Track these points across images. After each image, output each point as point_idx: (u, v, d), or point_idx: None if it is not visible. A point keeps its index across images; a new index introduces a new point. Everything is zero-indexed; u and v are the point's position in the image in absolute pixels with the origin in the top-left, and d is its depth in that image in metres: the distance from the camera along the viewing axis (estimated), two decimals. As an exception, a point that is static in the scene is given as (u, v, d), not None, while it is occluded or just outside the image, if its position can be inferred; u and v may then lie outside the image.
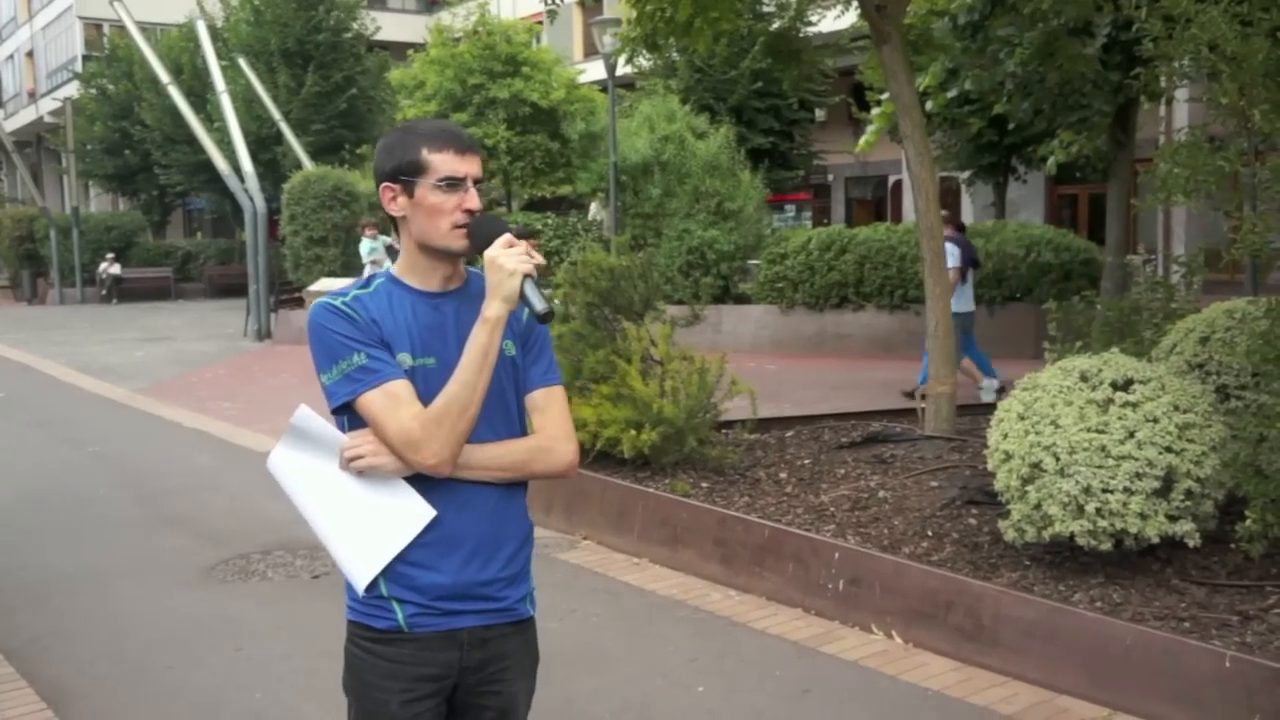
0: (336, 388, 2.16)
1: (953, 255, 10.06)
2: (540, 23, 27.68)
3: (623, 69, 16.14)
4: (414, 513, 2.17)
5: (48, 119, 44.58)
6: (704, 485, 6.63)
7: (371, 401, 2.13)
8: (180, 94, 22.86)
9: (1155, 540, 4.56)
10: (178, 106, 22.88)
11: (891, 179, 29.37)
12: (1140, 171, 11.70)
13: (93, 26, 42.56)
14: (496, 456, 2.20)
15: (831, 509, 6.08)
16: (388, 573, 2.18)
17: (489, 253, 2.16)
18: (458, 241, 2.20)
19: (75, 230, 32.87)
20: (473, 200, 2.20)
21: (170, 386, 14.10)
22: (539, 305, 2.18)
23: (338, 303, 2.19)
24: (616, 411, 6.77)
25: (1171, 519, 4.53)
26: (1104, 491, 4.50)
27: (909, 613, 4.95)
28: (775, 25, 10.61)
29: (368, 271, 11.48)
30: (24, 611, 5.65)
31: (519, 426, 2.28)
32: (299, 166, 23.83)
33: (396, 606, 2.19)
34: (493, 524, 2.24)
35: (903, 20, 8.17)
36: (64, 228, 33.19)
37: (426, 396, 2.15)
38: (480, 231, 2.21)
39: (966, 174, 19.10)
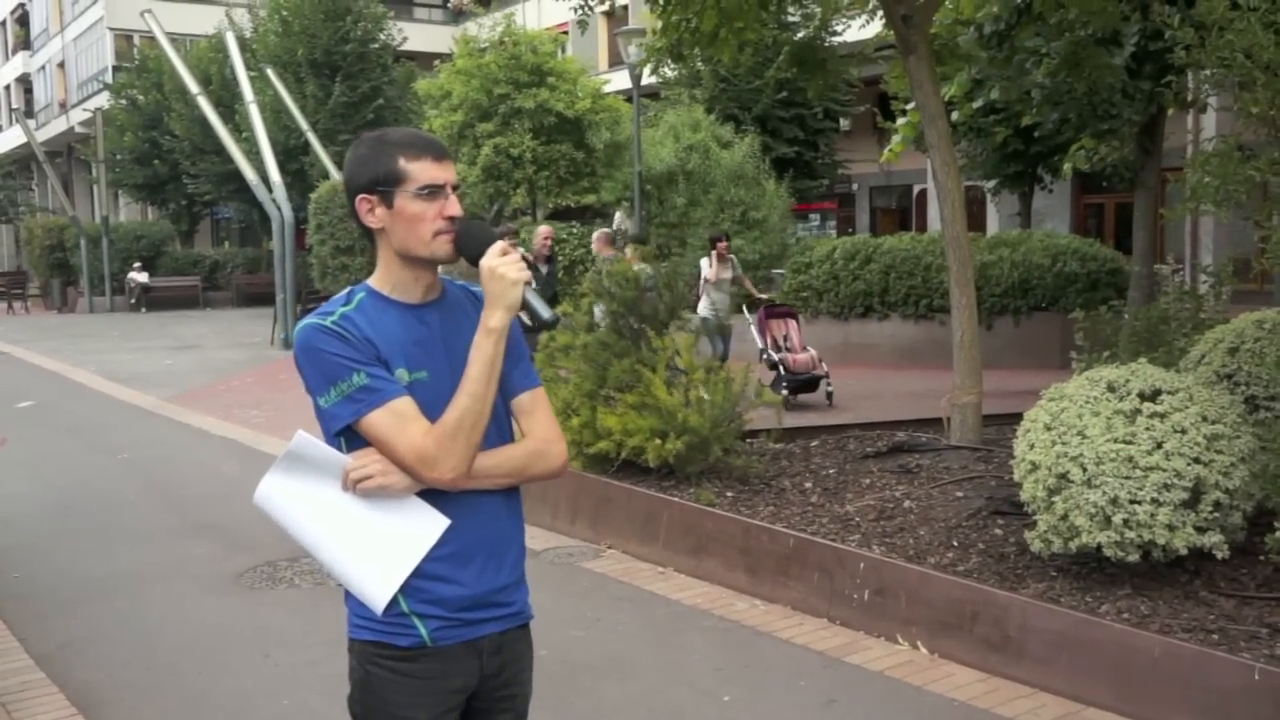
0: (337, 410, 2.10)
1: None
2: (565, 33, 27.79)
3: (648, 79, 16.20)
4: (428, 524, 2.14)
5: (78, 129, 45.05)
6: (729, 494, 6.63)
7: (377, 421, 2.09)
8: (209, 104, 23.05)
9: (1183, 552, 4.53)
10: (207, 117, 23.07)
11: (916, 188, 29.28)
12: (1168, 180, 11.61)
13: (123, 37, 42.97)
14: (498, 464, 2.19)
15: (857, 519, 6.07)
16: (406, 589, 2.14)
17: (486, 262, 2.13)
18: (442, 249, 2.16)
19: (105, 239, 33.20)
20: (454, 207, 2.16)
21: (198, 394, 14.22)
22: (545, 314, 2.18)
23: (327, 322, 2.12)
24: (641, 421, 6.78)
25: (1200, 530, 4.50)
26: (1131, 502, 4.48)
27: (935, 623, 4.94)
28: (800, 35, 10.63)
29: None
30: (55, 617, 5.71)
31: (508, 432, 2.28)
32: (326, 176, 23.99)
33: (419, 622, 2.16)
34: (498, 530, 2.25)
35: (929, 30, 8.17)
36: (94, 237, 33.52)
37: (424, 411, 2.12)
38: (470, 239, 2.18)
39: (992, 183, 19.05)
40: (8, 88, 57.24)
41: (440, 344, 2.19)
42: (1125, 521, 4.48)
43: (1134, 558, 4.55)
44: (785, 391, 11.03)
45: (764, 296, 13.09)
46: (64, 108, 48.40)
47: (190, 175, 34.65)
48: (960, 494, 6.39)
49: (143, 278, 33.11)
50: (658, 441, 6.70)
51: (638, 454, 6.83)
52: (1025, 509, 5.05)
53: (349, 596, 2.21)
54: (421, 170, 2.14)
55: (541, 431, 2.27)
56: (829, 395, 11.51)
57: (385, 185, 2.14)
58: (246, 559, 6.58)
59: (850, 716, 4.39)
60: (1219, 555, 4.53)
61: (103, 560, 6.72)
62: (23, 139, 43.46)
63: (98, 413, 13.17)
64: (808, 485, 6.82)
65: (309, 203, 22.75)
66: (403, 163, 2.14)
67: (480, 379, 2.11)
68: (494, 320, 2.13)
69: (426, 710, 2.19)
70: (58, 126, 48.88)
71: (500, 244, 2.15)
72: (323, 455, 2.15)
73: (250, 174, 21.25)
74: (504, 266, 2.12)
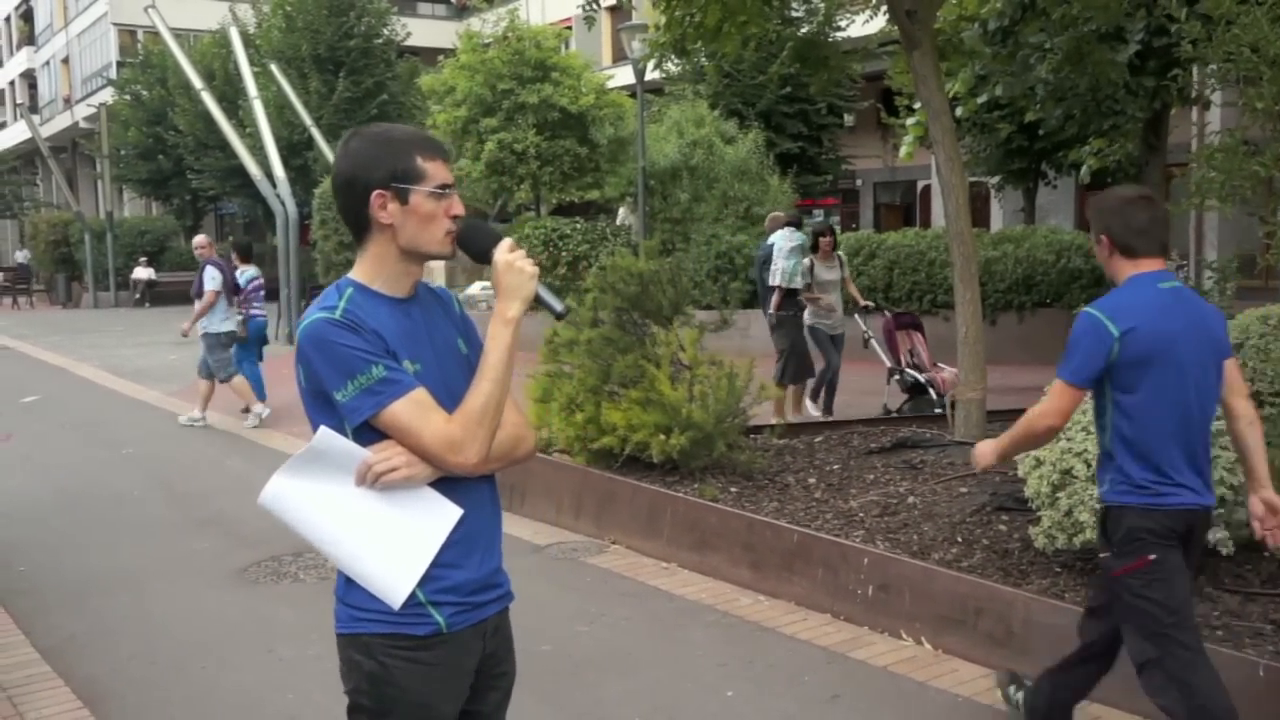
0: (357, 403, 2.11)
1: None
2: (569, 28, 27.76)
3: (651, 74, 16.16)
4: (442, 514, 2.19)
5: (83, 124, 45.01)
6: (733, 490, 6.63)
7: (400, 412, 2.12)
8: (213, 100, 23.05)
9: (1188, 548, 4.52)
10: (210, 112, 23.07)
11: (920, 184, 29.25)
12: (1173, 176, 11.60)
13: (127, 33, 42.97)
14: (493, 448, 2.24)
15: (861, 514, 6.07)
16: (422, 578, 2.17)
17: (501, 256, 2.22)
18: (448, 247, 2.24)
19: (109, 234, 33.24)
20: (458, 206, 2.24)
21: (202, 389, 14.18)
22: (558, 306, 2.30)
23: (336, 315, 2.14)
24: (646, 416, 6.78)
25: (1204, 526, 4.49)
26: (1136, 498, 4.47)
27: (939, 619, 4.94)
28: (804, 30, 10.60)
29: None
30: (60, 611, 5.72)
31: None
32: (330, 172, 24.00)
33: (434, 610, 2.19)
34: (489, 515, 2.33)
35: (933, 26, 8.16)
36: (98, 232, 33.57)
37: None
38: (474, 237, 2.26)
39: (996, 179, 19.02)
40: (12, 83, 57.25)
41: (426, 336, 2.25)
42: (1129, 517, 4.46)
43: (1138, 554, 4.54)
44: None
45: (869, 302, 11.28)
46: (68, 103, 48.39)
47: (194, 170, 34.68)
48: (964, 490, 6.39)
49: (148, 273, 33.13)
50: (662, 437, 6.70)
51: (642, 449, 6.83)
52: (1029, 505, 5.05)
53: (348, 591, 2.21)
54: (436, 170, 2.21)
55: (514, 417, 2.32)
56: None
57: (402, 182, 2.18)
58: (250, 554, 6.59)
59: (854, 712, 4.39)
60: (1224, 551, 4.53)
61: (107, 555, 6.74)
62: (27, 134, 43.44)
63: (102, 408, 13.19)
64: (812, 481, 6.82)
65: (313, 198, 22.76)
66: (420, 161, 2.19)
67: (500, 365, 2.20)
68: (511, 311, 2.21)
69: (448, 696, 2.25)
70: (62, 122, 48.88)
71: (509, 240, 2.24)
72: (345, 451, 2.16)
73: (254, 169, 21.25)
74: (521, 260, 2.22)
